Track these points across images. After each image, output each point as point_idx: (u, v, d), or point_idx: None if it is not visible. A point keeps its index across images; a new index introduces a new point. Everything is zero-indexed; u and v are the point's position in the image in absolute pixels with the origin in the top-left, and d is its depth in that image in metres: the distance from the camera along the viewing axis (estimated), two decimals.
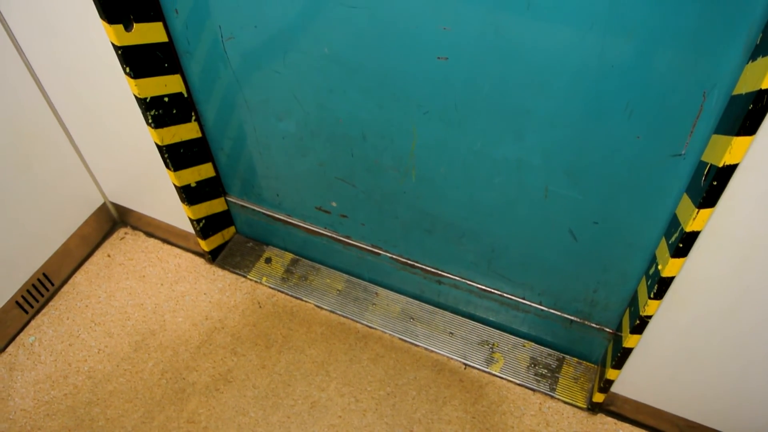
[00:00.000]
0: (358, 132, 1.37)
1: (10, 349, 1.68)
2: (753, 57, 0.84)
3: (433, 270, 1.64)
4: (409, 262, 1.66)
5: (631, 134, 1.06)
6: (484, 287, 1.59)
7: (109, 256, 1.91)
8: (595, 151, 1.13)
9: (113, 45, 1.28)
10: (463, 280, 1.61)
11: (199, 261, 1.89)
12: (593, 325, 1.51)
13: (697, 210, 0.97)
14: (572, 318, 1.53)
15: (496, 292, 1.59)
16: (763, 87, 0.79)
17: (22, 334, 1.71)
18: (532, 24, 0.99)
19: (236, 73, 1.40)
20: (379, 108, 1.29)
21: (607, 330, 1.49)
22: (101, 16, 1.23)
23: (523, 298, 1.56)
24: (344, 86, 1.28)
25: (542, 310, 1.55)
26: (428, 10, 1.06)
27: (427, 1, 1.05)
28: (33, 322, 1.74)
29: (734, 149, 0.87)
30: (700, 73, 0.93)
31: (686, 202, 1.04)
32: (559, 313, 1.54)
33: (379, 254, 1.69)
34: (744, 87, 0.86)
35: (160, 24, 1.33)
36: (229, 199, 1.82)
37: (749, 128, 0.84)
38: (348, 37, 1.18)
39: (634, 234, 1.23)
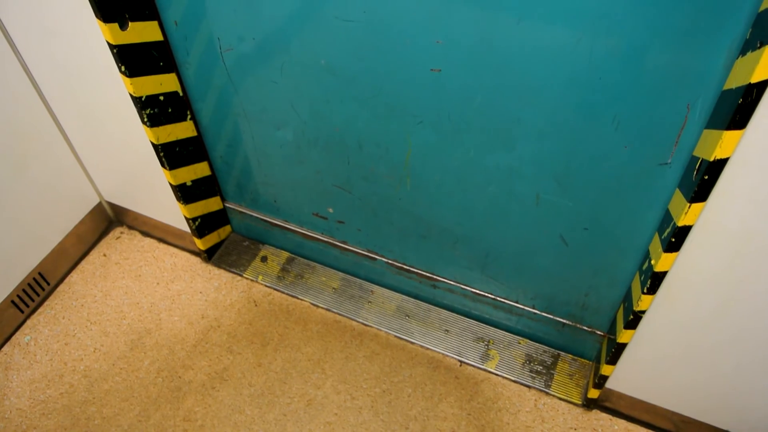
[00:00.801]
0: (354, 141, 1.39)
1: (5, 348, 1.68)
2: (743, 52, 0.85)
3: (428, 275, 1.65)
4: (404, 267, 1.68)
5: (619, 144, 1.09)
6: (478, 291, 1.61)
7: (104, 255, 1.91)
8: (585, 160, 1.16)
9: (108, 44, 1.29)
10: (458, 285, 1.63)
11: (195, 260, 1.89)
12: (585, 328, 1.52)
13: (688, 204, 0.98)
14: (564, 321, 1.54)
15: (489, 296, 1.60)
16: (753, 81, 0.80)
17: (17, 334, 1.71)
18: (523, 38, 1.02)
19: (234, 82, 1.41)
20: (374, 118, 1.31)
21: (599, 333, 1.50)
22: (96, 15, 1.23)
23: (516, 302, 1.58)
24: (340, 96, 1.30)
25: (535, 313, 1.57)
26: (421, 24, 1.08)
27: (420, 15, 1.07)
28: (29, 322, 1.74)
29: (725, 143, 0.88)
30: (684, 85, 0.95)
31: (678, 196, 1.05)
32: (551, 317, 1.55)
33: (375, 259, 1.70)
34: (734, 81, 0.86)
35: (155, 23, 1.34)
36: (227, 204, 1.83)
37: (739, 122, 0.85)
38: (344, 50, 1.21)
39: (624, 239, 1.25)
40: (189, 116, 1.55)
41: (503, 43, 1.04)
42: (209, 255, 1.87)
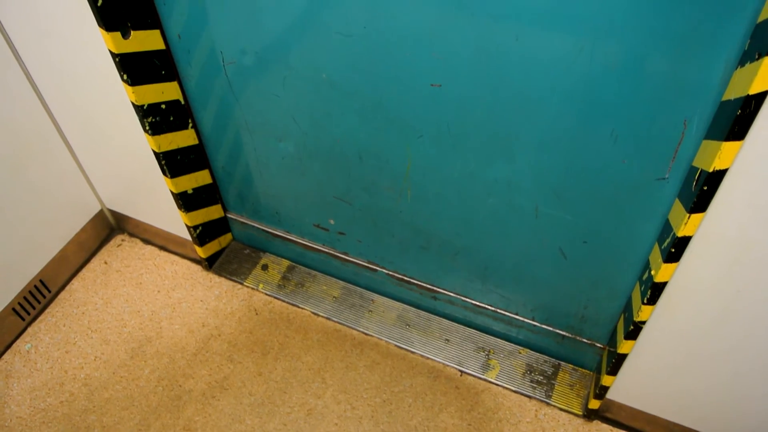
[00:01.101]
0: (354, 153, 1.40)
1: (6, 356, 1.68)
2: (741, 63, 0.85)
3: (428, 286, 1.66)
4: (405, 278, 1.68)
5: (617, 159, 1.10)
6: (477, 303, 1.61)
7: (106, 263, 1.92)
8: (583, 174, 1.16)
9: (111, 52, 1.29)
10: (458, 296, 1.63)
11: (196, 268, 1.89)
12: (584, 340, 1.52)
13: (688, 215, 0.98)
14: (564, 333, 1.54)
15: (489, 308, 1.60)
16: (751, 92, 0.80)
17: (18, 341, 1.71)
18: (522, 52, 1.02)
19: (236, 94, 1.43)
20: (375, 131, 1.32)
21: (598, 345, 1.50)
22: (99, 24, 1.24)
23: (516, 314, 1.58)
24: (341, 110, 1.31)
25: (534, 325, 1.57)
26: (421, 40, 1.09)
27: (420, 30, 1.08)
28: (29, 329, 1.74)
29: (723, 154, 0.88)
30: (682, 98, 0.96)
31: (678, 207, 1.05)
32: (551, 329, 1.55)
33: (375, 270, 1.71)
34: (733, 93, 0.87)
35: (157, 32, 1.35)
36: (228, 215, 1.84)
37: (738, 133, 0.85)
38: (345, 64, 1.22)
39: (623, 251, 1.26)
40: (190, 125, 1.56)
41: (502, 57, 1.05)
42: (210, 263, 1.88)
